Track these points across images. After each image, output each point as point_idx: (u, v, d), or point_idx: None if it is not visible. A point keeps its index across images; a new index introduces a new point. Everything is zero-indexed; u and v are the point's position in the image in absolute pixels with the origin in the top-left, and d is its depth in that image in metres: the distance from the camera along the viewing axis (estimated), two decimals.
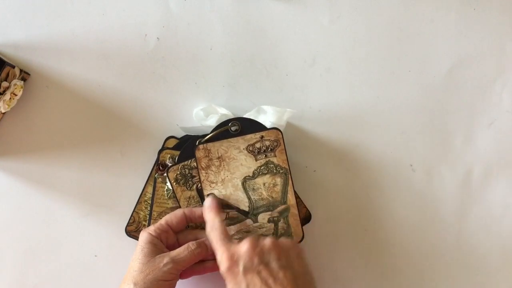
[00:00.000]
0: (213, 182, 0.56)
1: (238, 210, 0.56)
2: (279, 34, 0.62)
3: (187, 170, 0.57)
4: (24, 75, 0.59)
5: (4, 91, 0.57)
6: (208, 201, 0.54)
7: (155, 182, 0.59)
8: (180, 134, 0.61)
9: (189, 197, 0.58)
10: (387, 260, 0.63)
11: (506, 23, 0.63)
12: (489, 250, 0.63)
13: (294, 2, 0.62)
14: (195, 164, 0.56)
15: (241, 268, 0.48)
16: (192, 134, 0.60)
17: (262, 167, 0.56)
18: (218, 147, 0.56)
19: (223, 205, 0.56)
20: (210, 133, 0.56)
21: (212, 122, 0.59)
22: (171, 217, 0.56)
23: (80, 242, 0.61)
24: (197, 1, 0.61)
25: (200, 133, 0.59)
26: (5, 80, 0.56)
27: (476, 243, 0.63)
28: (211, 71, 0.61)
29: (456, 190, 0.63)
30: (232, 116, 0.59)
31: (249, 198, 0.56)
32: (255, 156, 0.56)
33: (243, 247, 0.49)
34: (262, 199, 0.56)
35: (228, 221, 0.56)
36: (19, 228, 0.61)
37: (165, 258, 0.52)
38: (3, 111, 0.58)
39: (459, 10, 0.63)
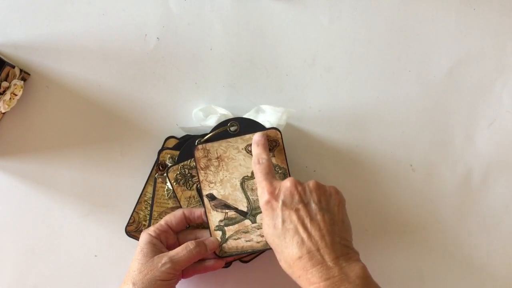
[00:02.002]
0: (211, 182, 0.56)
1: (237, 210, 0.56)
2: (279, 34, 0.62)
3: (186, 170, 0.57)
4: (24, 75, 0.59)
5: (4, 91, 0.57)
6: (257, 136, 0.55)
7: (155, 182, 0.59)
8: (180, 134, 0.61)
9: (190, 197, 0.58)
10: (387, 260, 0.63)
11: (506, 23, 0.63)
12: (489, 250, 0.63)
13: (294, 2, 0.62)
14: (194, 163, 0.56)
15: (280, 202, 0.48)
16: (192, 134, 0.60)
17: None
18: (217, 147, 0.56)
19: (221, 205, 0.56)
20: (209, 133, 0.56)
21: (211, 122, 0.59)
22: (171, 217, 0.56)
23: (80, 242, 0.61)
24: (197, 1, 0.61)
25: (200, 133, 0.59)
26: (5, 80, 0.56)
27: (476, 243, 0.63)
28: (211, 71, 0.61)
29: (456, 190, 0.63)
30: (231, 116, 0.59)
31: (247, 198, 0.56)
32: None
33: (286, 183, 0.49)
34: None
35: (226, 221, 0.56)
36: (19, 228, 0.61)
37: (164, 258, 0.52)
38: (3, 111, 0.58)
39: (459, 10, 0.63)
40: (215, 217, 0.56)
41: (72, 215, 0.61)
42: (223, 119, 0.57)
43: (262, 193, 0.50)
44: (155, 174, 0.59)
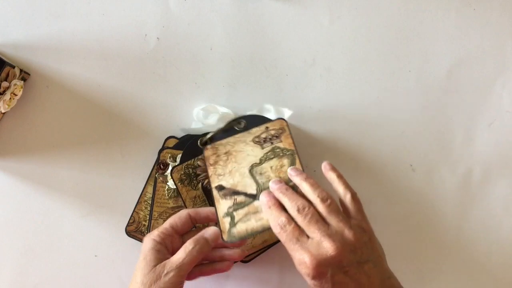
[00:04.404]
0: (220, 175, 0.55)
1: (246, 194, 0.54)
2: (279, 34, 0.62)
3: (190, 170, 0.58)
4: (24, 75, 0.59)
5: (4, 91, 0.57)
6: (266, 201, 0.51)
7: (155, 182, 0.59)
8: (180, 134, 0.61)
9: (195, 197, 0.58)
10: (387, 260, 0.63)
11: (506, 23, 0.63)
12: (489, 250, 0.63)
13: (294, 2, 0.62)
14: (198, 163, 0.56)
15: (329, 274, 0.46)
16: (193, 134, 0.60)
17: (268, 153, 0.55)
18: (225, 144, 0.56)
19: (230, 193, 0.54)
20: (217, 131, 0.56)
21: (212, 121, 0.59)
22: (175, 219, 0.53)
23: (80, 242, 0.61)
24: (197, 1, 0.61)
25: (201, 133, 0.59)
26: (5, 80, 0.56)
27: (476, 243, 0.63)
28: (211, 71, 0.61)
29: (456, 190, 0.63)
30: (232, 114, 0.59)
31: (256, 182, 0.54)
32: (261, 145, 0.56)
33: (329, 251, 0.46)
34: (270, 180, 0.54)
35: (235, 207, 0.54)
36: (19, 228, 0.61)
37: (166, 267, 0.49)
38: (3, 111, 0.58)
39: (459, 10, 0.63)
40: (223, 205, 0.54)
41: (72, 215, 0.61)
42: (224, 117, 0.58)
43: (305, 268, 0.47)
44: (156, 173, 0.59)
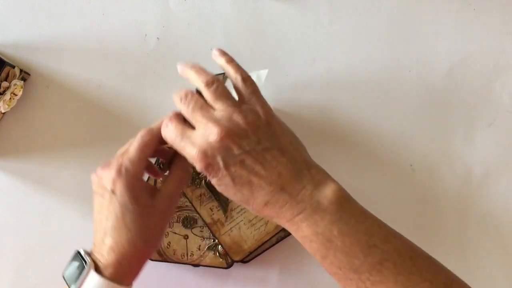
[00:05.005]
0: None
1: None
2: (279, 34, 0.62)
3: (192, 169, 0.58)
4: (24, 75, 0.59)
5: (4, 91, 0.57)
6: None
7: (155, 182, 0.59)
8: None
9: (200, 195, 0.58)
10: None
11: (506, 23, 0.63)
12: (489, 250, 0.63)
13: (294, 2, 0.62)
14: None
15: (220, 164, 0.41)
16: None
17: None
18: None
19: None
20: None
21: None
22: (147, 149, 0.47)
23: (80, 242, 0.61)
24: (197, 1, 0.61)
25: None
26: (5, 80, 0.56)
27: (476, 243, 0.63)
28: (211, 71, 0.61)
29: (456, 190, 0.63)
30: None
31: None
32: None
33: (214, 137, 0.41)
34: None
35: None
36: (19, 228, 0.61)
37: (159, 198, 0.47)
38: (3, 111, 0.58)
39: (459, 10, 0.63)
40: None
41: (72, 215, 0.61)
42: None
43: (193, 158, 0.42)
44: None
